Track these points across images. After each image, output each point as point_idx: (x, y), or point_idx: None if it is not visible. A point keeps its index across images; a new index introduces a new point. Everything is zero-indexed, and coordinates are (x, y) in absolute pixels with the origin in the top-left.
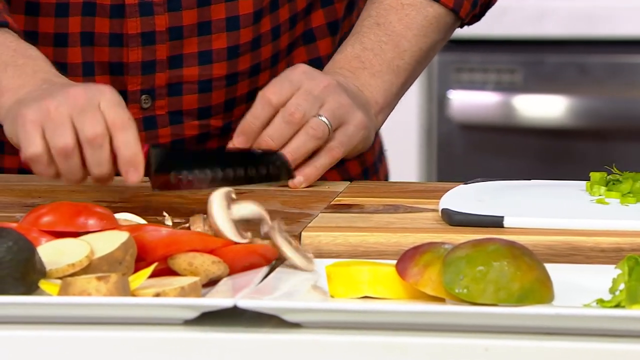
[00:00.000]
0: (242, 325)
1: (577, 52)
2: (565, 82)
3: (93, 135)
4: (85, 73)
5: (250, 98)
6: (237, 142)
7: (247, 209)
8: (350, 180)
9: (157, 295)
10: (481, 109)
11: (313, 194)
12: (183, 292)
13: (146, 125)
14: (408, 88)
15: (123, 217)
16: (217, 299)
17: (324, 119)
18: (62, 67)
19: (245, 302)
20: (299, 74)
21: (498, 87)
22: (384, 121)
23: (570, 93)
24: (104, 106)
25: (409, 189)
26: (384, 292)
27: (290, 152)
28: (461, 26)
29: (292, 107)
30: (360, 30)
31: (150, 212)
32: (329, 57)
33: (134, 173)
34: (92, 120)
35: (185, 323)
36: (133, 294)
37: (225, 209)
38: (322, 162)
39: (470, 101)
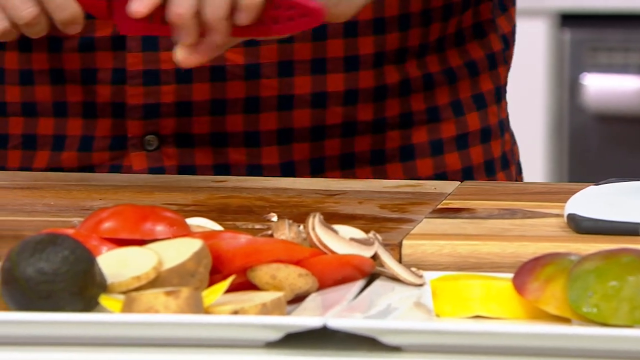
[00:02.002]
0: (332, 348)
1: None
2: None
3: None
4: None
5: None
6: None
7: (351, 231)
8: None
9: (235, 313)
10: (621, 96)
11: (416, 195)
12: (265, 309)
13: None
14: None
15: (196, 222)
16: (304, 318)
17: None
18: None
19: (336, 321)
20: None
21: None
22: None
23: None
24: None
25: (528, 190)
26: (499, 310)
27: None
28: None
29: None
30: None
31: (227, 216)
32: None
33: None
34: None
35: (268, 345)
36: (207, 312)
37: (333, 233)
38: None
39: (607, 87)
